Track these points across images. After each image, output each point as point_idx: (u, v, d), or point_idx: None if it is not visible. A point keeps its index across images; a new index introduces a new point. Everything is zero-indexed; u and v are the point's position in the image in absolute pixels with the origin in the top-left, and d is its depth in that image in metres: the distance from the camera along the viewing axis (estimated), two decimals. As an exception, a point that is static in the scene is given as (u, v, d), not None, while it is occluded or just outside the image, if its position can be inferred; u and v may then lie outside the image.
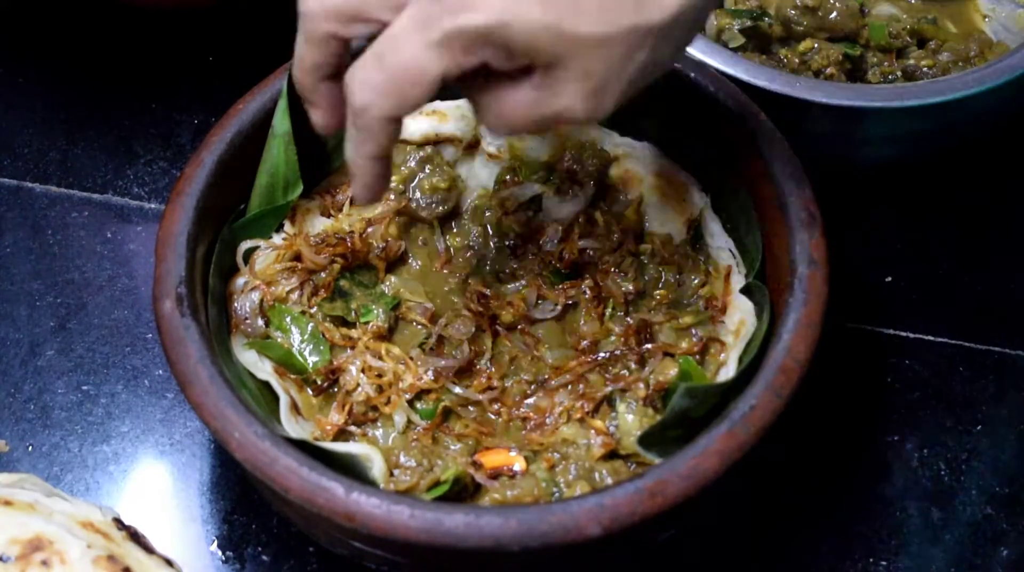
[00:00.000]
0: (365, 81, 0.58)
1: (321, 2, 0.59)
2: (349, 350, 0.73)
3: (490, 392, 0.73)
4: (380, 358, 0.73)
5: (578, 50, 0.57)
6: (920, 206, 0.90)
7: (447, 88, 0.80)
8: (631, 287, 0.75)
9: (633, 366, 0.73)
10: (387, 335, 0.75)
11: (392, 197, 0.78)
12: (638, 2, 0.57)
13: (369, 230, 0.77)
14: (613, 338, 0.74)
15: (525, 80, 0.58)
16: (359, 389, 0.72)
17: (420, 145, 0.79)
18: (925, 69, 0.87)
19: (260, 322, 0.73)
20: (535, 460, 0.70)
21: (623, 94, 0.59)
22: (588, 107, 0.59)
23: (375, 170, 0.62)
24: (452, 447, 0.71)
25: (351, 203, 0.78)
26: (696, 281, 0.75)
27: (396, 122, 0.59)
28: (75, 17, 0.96)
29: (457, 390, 0.73)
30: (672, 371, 0.71)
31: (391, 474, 0.69)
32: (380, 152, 0.61)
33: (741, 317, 0.73)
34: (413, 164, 0.79)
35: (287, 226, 0.76)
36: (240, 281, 0.74)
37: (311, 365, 0.73)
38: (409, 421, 0.72)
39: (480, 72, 0.59)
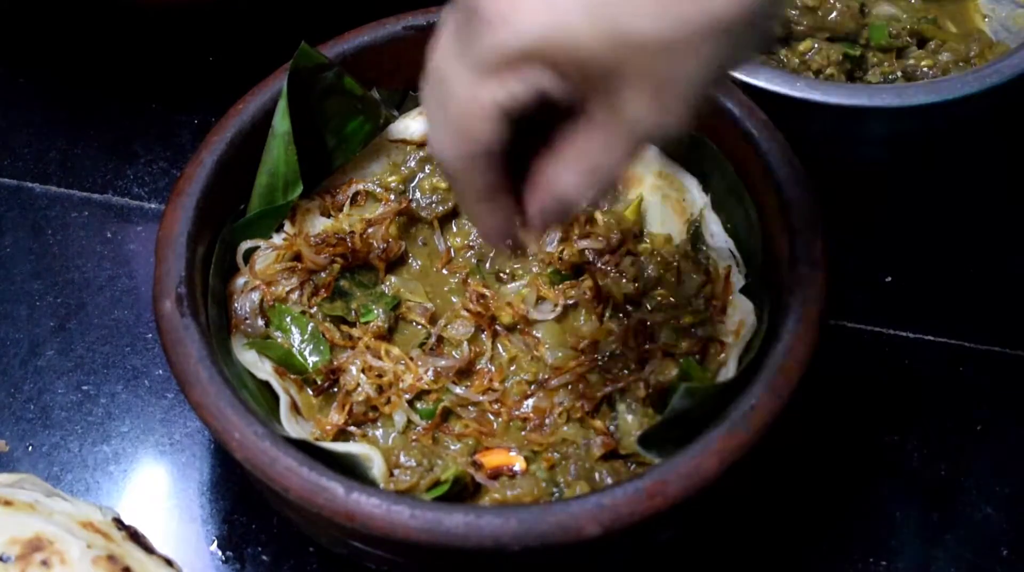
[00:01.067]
0: (433, 130, 0.55)
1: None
2: (349, 350, 0.73)
3: (490, 393, 0.73)
4: (380, 358, 0.73)
5: (638, 56, 0.50)
6: (920, 206, 0.90)
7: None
8: (631, 287, 0.75)
9: (633, 366, 0.72)
10: (387, 335, 0.75)
11: (392, 197, 0.78)
12: None
13: (369, 230, 0.77)
14: (613, 338, 0.74)
15: (592, 117, 0.53)
16: (359, 389, 0.72)
17: (420, 145, 0.79)
18: (925, 69, 0.86)
19: (260, 322, 0.73)
20: (535, 460, 0.70)
21: (697, 100, 0.53)
22: (660, 119, 0.52)
23: (489, 211, 0.58)
24: (452, 447, 0.71)
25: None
26: (696, 281, 0.75)
27: (483, 160, 0.55)
28: (75, 17, 0.96)
29: (457, 390, 0.73)
30: (672, 371, 0.71)
31: (391, 474, 0.69)
32: (481, 194, 0.57)
33: (741, 317, 0.73)
34: (413, 164, 0.79)
35: (287, 226, 0.76)
36: (240, 281, 0.74)
37: (311, 365, 0.73)
38: (409, 421, 0.72)
39: (545, 121, 0.54)
